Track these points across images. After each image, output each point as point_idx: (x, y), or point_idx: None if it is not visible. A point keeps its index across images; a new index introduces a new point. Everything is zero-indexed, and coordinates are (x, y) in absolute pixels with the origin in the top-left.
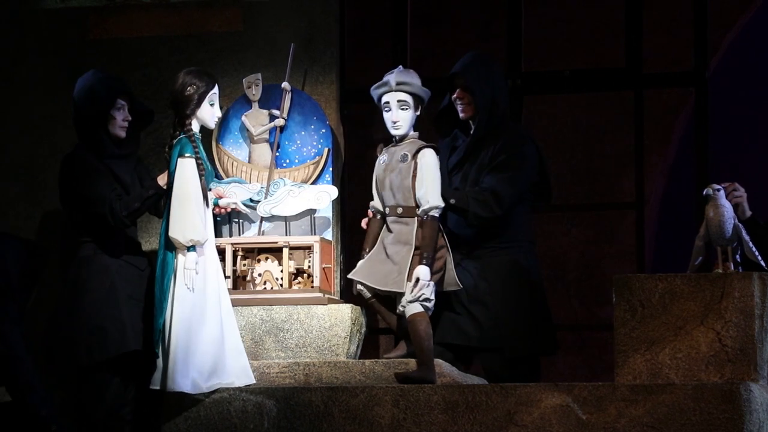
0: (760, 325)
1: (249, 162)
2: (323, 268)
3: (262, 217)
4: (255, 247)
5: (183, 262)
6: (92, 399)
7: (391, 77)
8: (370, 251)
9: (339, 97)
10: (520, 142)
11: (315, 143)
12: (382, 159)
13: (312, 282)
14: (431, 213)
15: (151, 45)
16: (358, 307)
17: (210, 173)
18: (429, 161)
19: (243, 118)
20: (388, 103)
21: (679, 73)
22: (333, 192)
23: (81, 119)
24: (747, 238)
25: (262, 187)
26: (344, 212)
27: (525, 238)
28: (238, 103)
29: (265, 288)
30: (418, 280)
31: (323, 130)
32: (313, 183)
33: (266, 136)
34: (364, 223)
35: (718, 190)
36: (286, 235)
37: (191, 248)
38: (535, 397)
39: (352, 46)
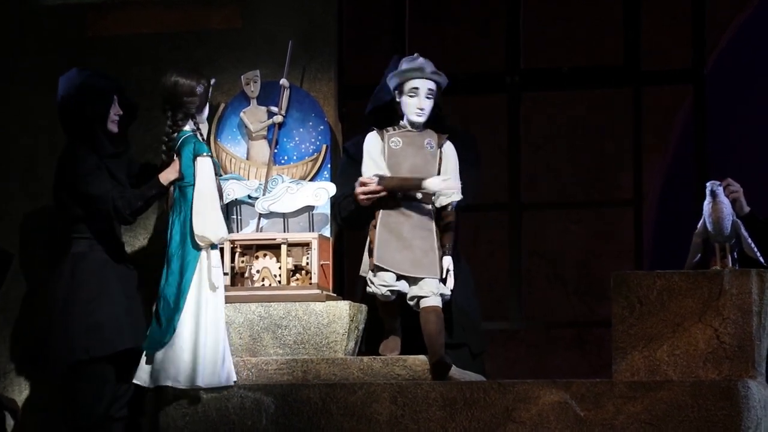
0: (758, 322)
1: (247, 159)
2: (321, 265)
3: (260, 213)
4: (253, 244)
5: (208, 260)
6: (87, 395)
7: (424, 64)
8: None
9: (337, 94)
10: None
11: (313, 140)
12: (396, 141)
13: (310, 279)
14: (457, 204)
15: (149, 42)
16: (357, 304)
17: (219, 172)
18: (453, 153)
19: (241, 114)
20: (416, 89)
21: (678, 70)
22: (331, 189)
23: (76, 118)
24: (746, 234)
25: (260, 184)
26: None
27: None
28: (237, 100)
29: (263, 285)
30: (448, 271)
31: (321, 127)
32: (312, 180)
33: (264, 132)
34: (364, 192)
35: (718, 186)
36: (284, 231)
37: (214, 246)
38: (533, 394)
39: (351, 43)
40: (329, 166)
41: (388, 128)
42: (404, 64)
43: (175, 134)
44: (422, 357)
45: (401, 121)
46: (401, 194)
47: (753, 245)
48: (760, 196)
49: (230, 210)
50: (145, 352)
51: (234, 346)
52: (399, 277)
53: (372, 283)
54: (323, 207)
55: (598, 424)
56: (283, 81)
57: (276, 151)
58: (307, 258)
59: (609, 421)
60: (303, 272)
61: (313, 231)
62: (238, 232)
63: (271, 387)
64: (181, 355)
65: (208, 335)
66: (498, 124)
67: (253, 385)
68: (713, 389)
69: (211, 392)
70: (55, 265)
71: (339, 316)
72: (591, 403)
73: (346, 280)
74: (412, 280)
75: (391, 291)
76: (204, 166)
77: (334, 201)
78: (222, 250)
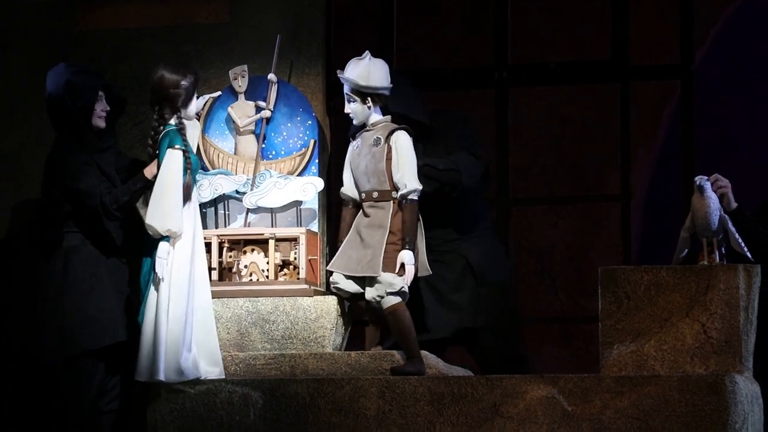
0: (745, 317)
1: (235, 153)
2: (309, 260)
3: (248, 208)
4: (241, 239)
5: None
6: (77, 389)
7: (346, 67)
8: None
9: (325, 89)
10: None
11: (301, 135)
12: (355, 144)
13: (298, 274)
14: (410, 196)
15: (137, 36)
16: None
17: (196, 167)
18: (403, 143)
19: (229, 109)
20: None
21: (666, 65)
22: (319, 184)
23: (62, 114)
24: (733, 229)
25: (248, 179)
26: (330, 204)
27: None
28: (225, 95)
29: (251, 279)
30: (403, 265)
31: (309, 122)
32: (299, 175)
33: (252, 127)
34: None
35: (706, 181)
36: (272, 226)
37: (165, 238)
38: (521, 389)
39: (339, 38)
40: (317, 161)
41: (357, 133)
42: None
43: (162, 128)
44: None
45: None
46: (364, 196)
47: (740, 240)
48: (748, 191)
49: (218, 205)
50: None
51: (222, 341)
52: (350, 277)
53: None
54: (311, 202)
55: (585, 419)
56: (271, 76)
57: (264, 146)
58: (295, 253)
59: (596, 415)
60: (291, 267)
61: (301, 226)
62: (225, 227)
63: (259, 382)
64: (142, 348)
65: (169, 328)
66: (486, 119)
67: (241, 380)
68: (700, 384)
69: (199, 387)
70: (45, 260)
71: (327, 311)
72: (578, 397)
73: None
74: (368, 281)
75: (337, 290)
76: (171, 158)
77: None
78: (209, 244)
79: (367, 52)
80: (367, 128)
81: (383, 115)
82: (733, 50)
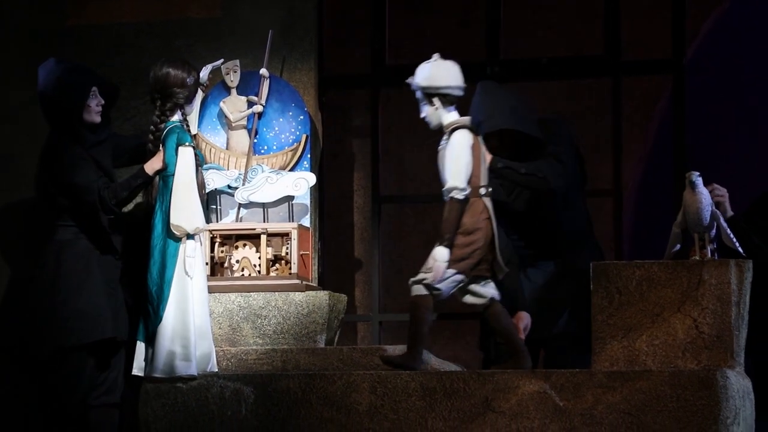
0: (736, 312)
1: (227, 148)
2: (301, 255)
3: (239, 203)
4: (233, 234)
5: (184, 249)
6: (66, 382)
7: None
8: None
9: (317, 84)
10: None
11: (293, 130)
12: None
13: (290, 269)
14: (451, 194)
15: (129, 31)
16: (336, 294)
17: (203, 163)
18: (454, 141)
19: (221, 104)
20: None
21: (658, 60)
22: (311, 179)
23: (55, 110)
24: (725, 225)
25: (240, 174)
26: (322, 199)
27: None
28: (216, 90)
29: (243, 275)
30: (435, 260)
31: (301, 117)
32: (291, 170)
33: (244, 122)
34: None
35: (697, 176)
36: (264, 221)
37: (191, 236)
38: (513, 384)
39: (331, 33)
40: (309, 155)
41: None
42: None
43: (163, 124)
44: (401, 347)
45: None
46: None
47: (732, 235)
48: (740, 186)
49: (210, 200)
50: (139, 343)
51: (214, 335)
52: None
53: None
54: (303, 197)
55: (577, 414)
56: (263, 71)
57: (256, 140)
58: (287, 248)
59: (588, 410)
60: (283, 262)
61: (292, 221)
62: (217, 222)
63: (251, 377)
64: (165, 345)
65: (195, 325)
66: None
67: (233, 375)
68: (692, 379)
69: (191, 382)
70: (37, 254)
71: (319, 306)
72: (570, 392)
73: (325, 271)
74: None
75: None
76: (185, 155)
77: None
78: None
79: (436, 54)
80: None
81: (460, 116)
82: (725, 45)
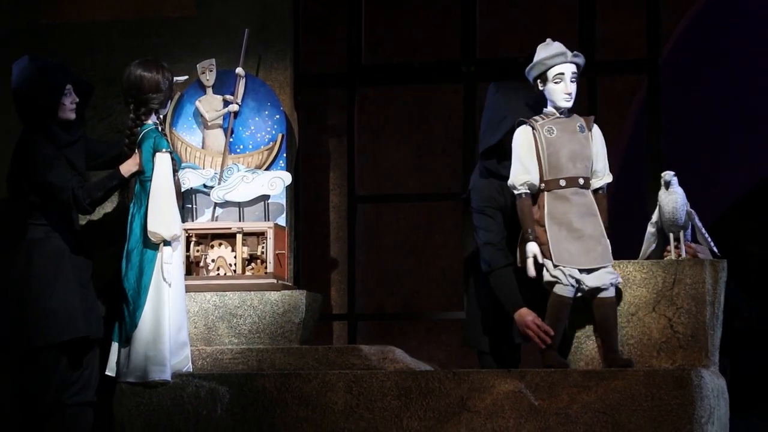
0: (711, 312)
1: (202, 147)
2: (277, 254)
3: (215, 203)
4: (208, 233)
5: (161, 256)
6: (38, 381)
7: (564, 48)
8: (534, 233)
9: (293, 83)
10: None
11: (269, 129)
12: (552, 129)
13: (265, 268)
14: (605, 187)
15: (104, 30)
16: (312, 293)
17: (180, 166)
18: (600, 135)
19: (197, 103)
20: (562, 74)
21: (633, 60)
22: (287, 178)
23: (29, 108)
24: (699, 224)
25: (215, 173)
26: (298, 198)
27: None
28: (192, 89)
29: (218, 274)
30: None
31: (277, 116)
32: (267, 169)
33: (220, 121)
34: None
35: (672, 176)
36: (240, 220)
37: (167, 242)
38: (488, 383)
39: (306, 32)
40: (285, 155)
41: (537, 118)
42: (543, 52)
43: (138, 128)
44: (377, 347)
45: (545, 109)
46: (565, 183)
47: (707, 235)
48: (714, 185)
49: (186, 199)
50: (113, 344)
51: (189, 335)
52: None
53: (558, 281)
54: (279, 196)
55: (552, 413)
56: (239, 70)
57: (231, 139)
58: (263, 247)
59: (563, 410)
60: (258, 261)
61: (268, 220)
62: (193, 221)
63: (226, 376)
64: (140, 350)
65: (172, 332)
66: (454, 113)
67: (208, 375)
68: (667, 378)
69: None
70: (8, 252)
71: (294, 306)
72: (545, 392)
73: (301, 270)
74: (587, 271)
75: (579, 289)
76: (162, 161)
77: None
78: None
79: (548, 39)
80: (557, 116)
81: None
82: (700, 45)
